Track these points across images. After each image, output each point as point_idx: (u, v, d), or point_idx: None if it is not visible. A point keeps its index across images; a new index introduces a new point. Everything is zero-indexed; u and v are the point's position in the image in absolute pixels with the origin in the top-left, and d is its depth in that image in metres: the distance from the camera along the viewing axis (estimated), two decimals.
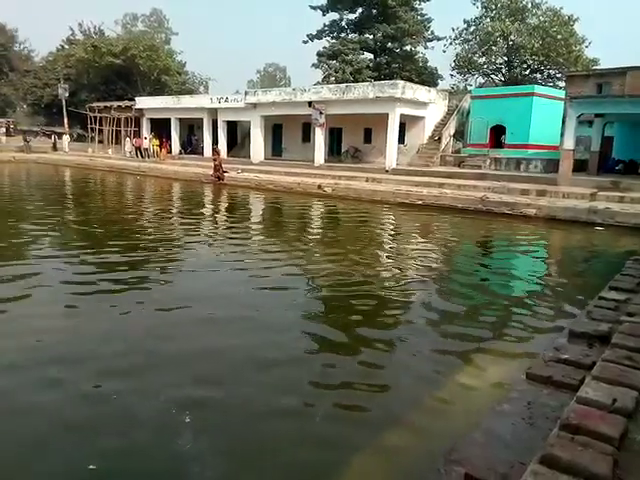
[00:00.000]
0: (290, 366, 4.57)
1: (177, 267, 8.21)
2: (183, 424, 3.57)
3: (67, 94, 40.11)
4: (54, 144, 37.17)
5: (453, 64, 36.25)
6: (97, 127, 36.59)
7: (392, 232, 12.48)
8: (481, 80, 37.47)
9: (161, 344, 4.92)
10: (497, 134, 22.58)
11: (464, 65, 35.62)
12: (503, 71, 35.76)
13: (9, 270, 7.32)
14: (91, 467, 3.10)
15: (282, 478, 3.19)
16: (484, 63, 35.78)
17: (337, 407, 3.90)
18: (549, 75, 34.90)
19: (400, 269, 8.34)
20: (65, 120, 41.67)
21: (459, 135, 25.08)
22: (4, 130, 41.28)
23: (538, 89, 22.23)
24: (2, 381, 4.11)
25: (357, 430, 3.61)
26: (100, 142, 36.63)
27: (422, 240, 10.94)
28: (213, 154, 22.42)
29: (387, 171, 21.47)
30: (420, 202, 15.57)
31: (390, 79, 28.37)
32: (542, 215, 13.35)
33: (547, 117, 21.32)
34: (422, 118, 23.84)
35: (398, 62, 38.00)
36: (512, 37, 32.50)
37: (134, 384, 4.12)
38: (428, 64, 39.27)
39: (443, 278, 7.92)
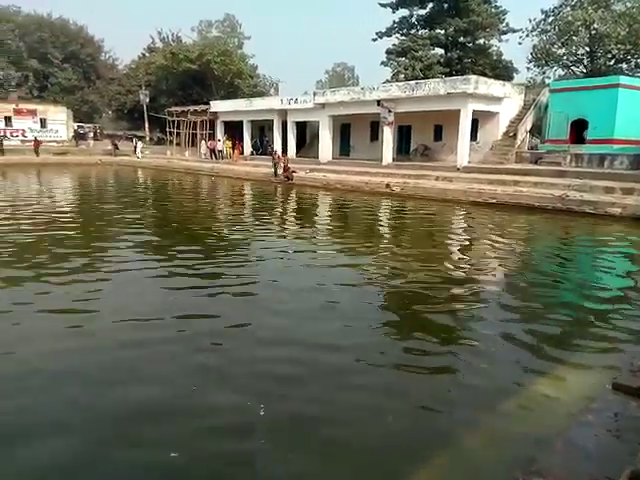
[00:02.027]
0: (359, 364, 4.59)
1: (252, 261, 8.49)
2: (259, 408, 3.71)
3: (148, 100, 42.52)
4: (135, 147, 39.47)
5: (530, 56, 34.53)
6: (175, 130, 38.49)
7: (464, 231, 12.15)
8: (560, 72, 35.47)
9: (239, 333, 5.13)
10: (578, 129, 21.29)
11: (542, 57, 33.85)
12: (585, 62, 33.61)
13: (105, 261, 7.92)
14: (173, 455, 3.26)
15: (350, 476, 3.22)
16: (564, 54, 33.80)
17: (410, 409, 3.88)
18: (637, 65, 32.40)
19: (473, 269, 8.11)
20: (146, 125, 44.17)
21: (536, 131, 23.92)
22: (92, 135, 44.35)
23: (624, 80, 20.72)
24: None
25: (430, 433, 3.57)
26: (178, 145, 38.48)
27: (496, 240, 10.55)
28: (274, 157, 23.55)
29: (458, 169, 20.89)
30: (494, 201, 15.04)
31: (462, 74, 27.56)
32: (628, 214, 12.46)
33: (634, 110, 19.83)
34: (496, 114, 22.97)
35: (470, 56, 36.85)
36: (595, 26, 30.46)
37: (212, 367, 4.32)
38: (503, 57, 37.75)
39: (519, 280, 7.62)
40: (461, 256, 9.33)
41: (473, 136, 22.59)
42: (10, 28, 47.03)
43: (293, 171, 21.75)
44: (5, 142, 34.90)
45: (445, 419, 3.75)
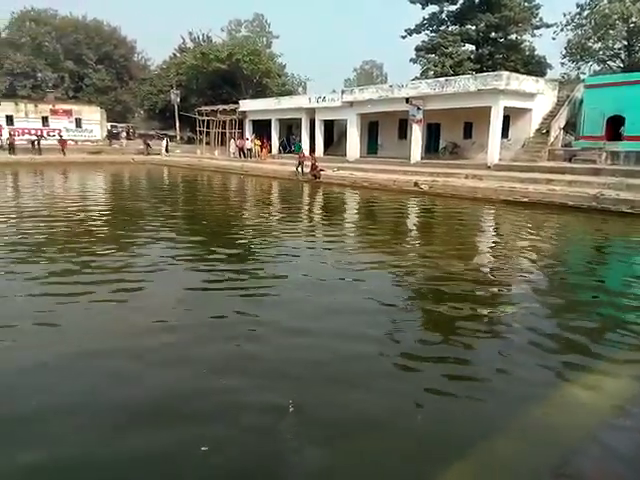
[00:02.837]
0: (387, 359, 4.57)
1: (276, 259, 8.55)
2: (287, 406, 3.72)
3: (179, 99, 43.18)
4: (167, 147, 40.20)
5: (564, 51, 33.65)
6: (205, 130, 39.03)
7: (494, 230, 11.95)
8: (596, 67, 34.44)
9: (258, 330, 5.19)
10: (614, 125, 20.65)
11: (577, 52, 32.93)
12: (622, 57, 32.53)
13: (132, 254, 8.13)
14: (203, 449, 3.29)
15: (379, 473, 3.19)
16: (600, 49, 32.79)
17: (438, 408, 3.84)
18: None
19: (503, 268, 7.96)
20: (177, 124, 44.87)
21: (570, 127, 23.29)
22: (125, 134, 45.31)
23: None
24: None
25: (459, 433, 3.52)
26: (207, 144, 39.01)
27: (527, 239, 10.34)
28: (299, 156, 23.70)
29: (489, 167, 20.55)
30: (525, 199, 14.73)
31: (493, 71, 27.08)
32: None
33: None
34: (528, 110, 22.50)
35: (502, 52, 36.16)
36: (633, 19, 29.43)
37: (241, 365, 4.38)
38: (535, 53, 36.91)
39: (552, 280, 7.44)
40: (491, 255, 9.18)
41: (504, 133, 22.19)
42: (47, 31, 48.48)
43: (321, 169, 21.77)
44: (42, 142, 35.99)
45: (474, 419, 3.70)
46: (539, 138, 22.56)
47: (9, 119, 39.13)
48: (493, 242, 10.45)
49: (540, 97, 22.48)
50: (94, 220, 12.12)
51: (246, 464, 3.23)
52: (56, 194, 17.90)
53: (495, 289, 6.81)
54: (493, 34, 36.03)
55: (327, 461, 3.21)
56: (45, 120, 40.85)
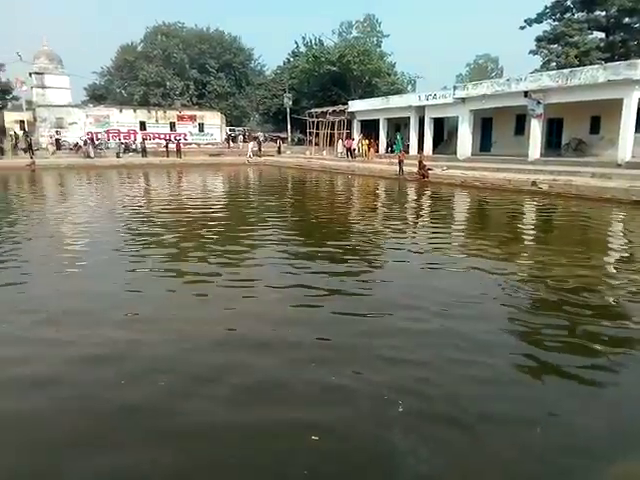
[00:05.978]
0: (510, 370, 4.39)
1: (385, 259, 8.57)
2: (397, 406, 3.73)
3: (290, 103, 44.77)
4: (279, 148, 41.91)
5: None
6: (314, 131, 40.07)
7: (625, 236, 10.84)
8: None
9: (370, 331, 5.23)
10: None
11: None
12: None
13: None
14: (314, 438, 3.41)
15: None
16: None
17: (564, 422, 3.62)
18: None
19: (634, 282, 7.18)
20: (288, 127, 46.56)
21: None
22: (242, 137, 48.09)
23: None
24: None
25: (585, 452, 3.29)
26: (316, 145, 40.00)
27: None
28: (400, 157, 23.37)
29: (619, 165, 18.70)
30: None
31: (626, 59, 24.55)
32: None
33: None
34: None
35: (637, 39, 32.67)
36: None
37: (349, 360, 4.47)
38: None
39: None
40: (620, 265, 8.34)
41: (638, 128, 20.03)
42: (176, 43, 52.85)
43: (429, 168, 21.32)
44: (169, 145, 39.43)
45: (606, 437, 3.44)
46: None
47: (142, 125, 43.34)
48: (622, 252, 9.47)
49: None
50: (211, 218, 13.05)
51: (355, 456, 3.29)
52: (182, 193, 19.51)
53: (626, 303, 6.19)
54: (627, 19, 32.69)
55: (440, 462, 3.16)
56: (172, 125, 44.66)
